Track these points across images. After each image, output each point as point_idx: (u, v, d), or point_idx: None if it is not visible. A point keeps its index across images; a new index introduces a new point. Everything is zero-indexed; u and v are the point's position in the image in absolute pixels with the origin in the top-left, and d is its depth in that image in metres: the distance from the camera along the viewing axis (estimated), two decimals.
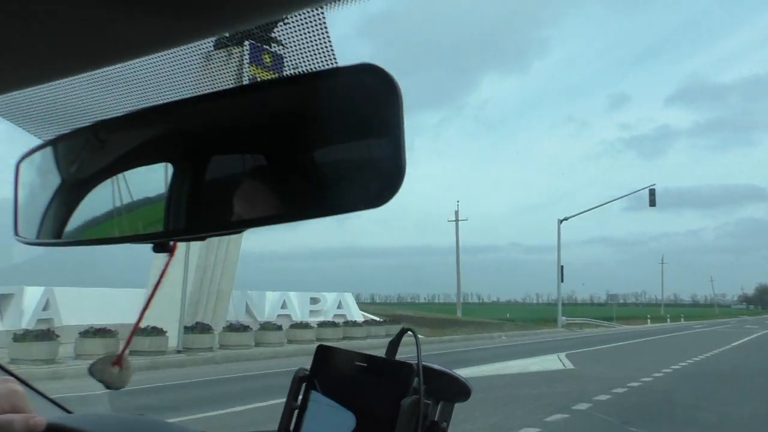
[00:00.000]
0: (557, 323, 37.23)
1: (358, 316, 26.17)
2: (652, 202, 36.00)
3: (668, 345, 24.81)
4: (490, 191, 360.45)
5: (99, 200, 0.68)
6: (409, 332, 0.84)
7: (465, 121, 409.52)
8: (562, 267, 38.20)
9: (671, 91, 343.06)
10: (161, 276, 0.82)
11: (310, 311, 24.26)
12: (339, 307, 25.74)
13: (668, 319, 64.00)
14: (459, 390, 0.80)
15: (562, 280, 38.13)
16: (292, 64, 0.68)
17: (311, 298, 25.13)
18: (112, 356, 0.87)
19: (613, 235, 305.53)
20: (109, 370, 0.88)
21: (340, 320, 23.54)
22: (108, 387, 0.88)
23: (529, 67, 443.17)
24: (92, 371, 0.87)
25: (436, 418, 0.78)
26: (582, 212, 39.07)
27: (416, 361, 0.74)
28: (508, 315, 51.15)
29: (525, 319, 42.85)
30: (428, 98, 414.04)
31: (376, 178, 0.54)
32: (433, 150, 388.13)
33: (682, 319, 68.17)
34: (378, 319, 27.05)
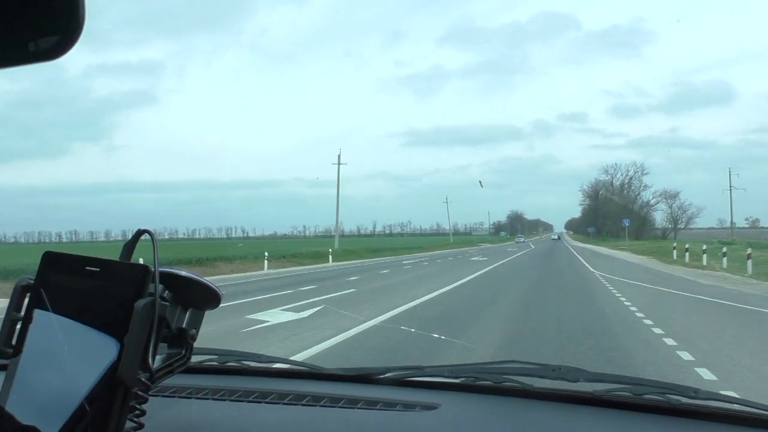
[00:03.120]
0: None
1: None
2: None
3: None
4: (273, 126, 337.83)
5: None
6: (147, 234, 0.75)
7: (243, 50, 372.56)
8: None
9: (443, 31, 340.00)
10: None
11: None
12: None
13: (330, 258, 36.29)
14: (208, 297, 0.75)
15: None
16: None
17: None
18: None
19: (393, 171, 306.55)
20: None
21: None
22: None
23: None
24: None
25: (184, 325, 0.73)
26: None
27: (153, 264, 0.69)
28: None
29: None
30: (200, 18, 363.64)
31: (52, 29, 0.55)
32: (209, 79, 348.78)
33: (385, 255, 41.80)
34: None
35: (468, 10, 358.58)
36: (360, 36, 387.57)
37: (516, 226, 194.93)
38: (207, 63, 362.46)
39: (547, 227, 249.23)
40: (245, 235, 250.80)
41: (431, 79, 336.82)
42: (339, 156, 51.75)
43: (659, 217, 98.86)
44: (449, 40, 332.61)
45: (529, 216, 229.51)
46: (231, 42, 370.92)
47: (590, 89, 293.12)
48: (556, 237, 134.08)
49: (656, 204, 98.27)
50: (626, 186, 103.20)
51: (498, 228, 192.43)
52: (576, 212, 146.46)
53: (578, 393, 1.31)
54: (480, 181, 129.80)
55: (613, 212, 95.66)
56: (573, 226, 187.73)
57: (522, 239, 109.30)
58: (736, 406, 1.23)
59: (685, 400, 1.24)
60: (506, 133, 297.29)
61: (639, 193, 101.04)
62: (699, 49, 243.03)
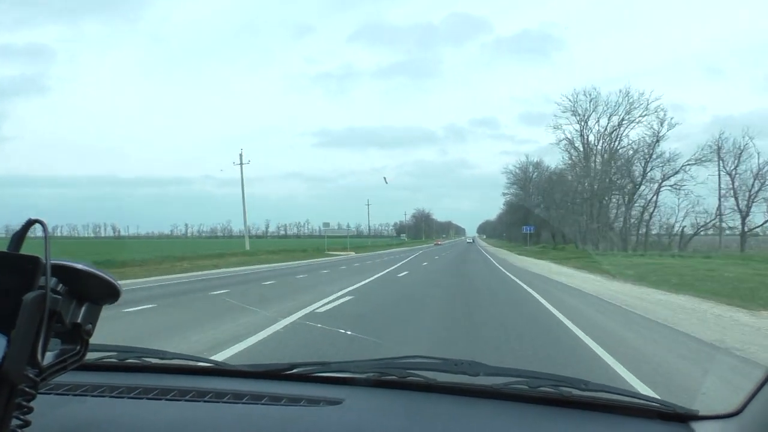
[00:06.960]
0: None
1: None
2: None
3: None
4: (180, 122, 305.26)
5: None
6: (39, 223, 0.70)
7: (142, 39, 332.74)
8: None
9: (354, 28, 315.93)
10: None
11: None
12: None
13: None
14: (106, 291, 0.72)
15: None
16: None
17: None
18: None
19: (306, 172, 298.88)
20: None
21: None
22: None
23: None
24: None
25: (79, 320, 0.71)
26: None
27: (44, 256, 0.66)
28: None
29: None
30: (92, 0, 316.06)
31: None
32: (106, 69, 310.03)
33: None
34: None
35: (379, 7, 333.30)
36: (268, 29, 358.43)
37: (421, 227, 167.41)
38: (103, 51, 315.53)
39: (459, 230, 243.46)
40: (116, 234, 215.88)
41: (343, 79, 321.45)
42: None
43: (665, 209, 49.55)
44: (360, 39, 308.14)
45: (441, 218, 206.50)
46: (128, 30, 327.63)
47: (501, 95, 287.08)
48: (470, 240, 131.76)
49: (677, 180, 46.66)
50: (613, 139, 51.77)
51: (399, 230, 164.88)
52: (490, 215, 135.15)
53: (479, 386, 1.35)
54: (384, 177, 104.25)
55: (582, 195, 49.39)
56: (487, 229, 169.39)
57: None
58: (618, 397, 1.30)
59: (575, 392, 1.30)
60: (420, 136, 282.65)
61: (651, 157, 47.97)
62: (604, 62, 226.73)
